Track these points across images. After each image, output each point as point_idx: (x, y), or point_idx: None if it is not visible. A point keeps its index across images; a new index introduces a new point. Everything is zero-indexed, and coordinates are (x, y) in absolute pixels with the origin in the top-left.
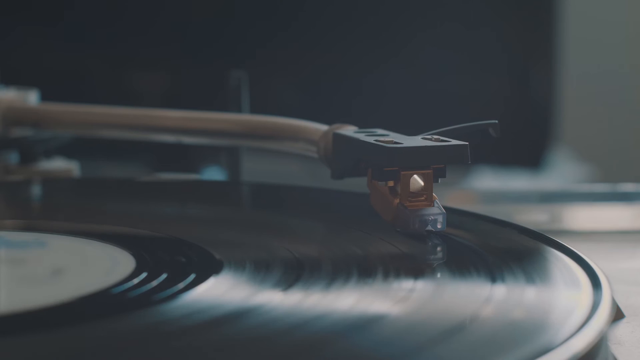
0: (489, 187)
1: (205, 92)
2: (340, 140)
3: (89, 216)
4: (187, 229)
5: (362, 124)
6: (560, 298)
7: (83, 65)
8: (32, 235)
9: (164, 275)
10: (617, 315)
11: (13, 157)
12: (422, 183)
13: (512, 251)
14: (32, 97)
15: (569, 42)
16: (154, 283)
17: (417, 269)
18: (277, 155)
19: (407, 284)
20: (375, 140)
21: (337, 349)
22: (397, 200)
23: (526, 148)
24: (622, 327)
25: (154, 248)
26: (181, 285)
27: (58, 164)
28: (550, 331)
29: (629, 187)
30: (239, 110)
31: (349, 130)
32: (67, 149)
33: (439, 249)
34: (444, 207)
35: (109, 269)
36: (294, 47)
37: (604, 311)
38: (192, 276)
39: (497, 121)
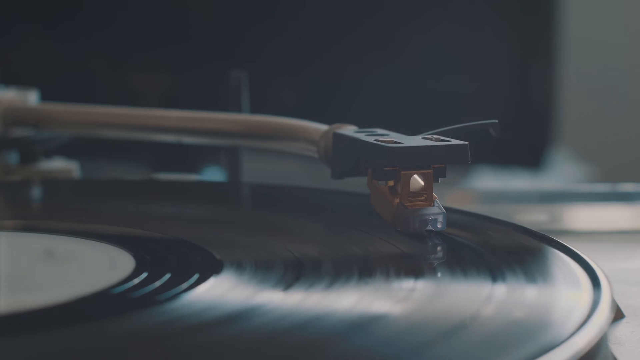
0: (489, 187)
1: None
2: (341, 140)
3: (88, 216)
4: (187, 229)
5: (362, 124)
6: (561, 298)
7: (83, 65)
8: (31, 236)
9: (164, 276)
10: (617, 315)
11: (13, 157)
12: (422, 183)
13: (513, 251)
14: (32, 97)
15: (569, 42)
16: (155, 283)
17: (417, 269)
18: (277, 155)
19: (408, 284)
20: (375, 140)
21: (337, 349)
22: (397, 200)
23: (526, 148)
24: (622, 327)
25: (154, 248)
26: (181, 285)
27: (58, 164)
28: (551, 331)
29: (629, 187)
30: (239, 110)
31: (349, 130)
32: (67, 149)
33: (439, 248)
34: (444, 207)
35: (108, 269)
36: (294, 47)
37: (604, 311)
38: (193, 276)
39: (497, 121)
